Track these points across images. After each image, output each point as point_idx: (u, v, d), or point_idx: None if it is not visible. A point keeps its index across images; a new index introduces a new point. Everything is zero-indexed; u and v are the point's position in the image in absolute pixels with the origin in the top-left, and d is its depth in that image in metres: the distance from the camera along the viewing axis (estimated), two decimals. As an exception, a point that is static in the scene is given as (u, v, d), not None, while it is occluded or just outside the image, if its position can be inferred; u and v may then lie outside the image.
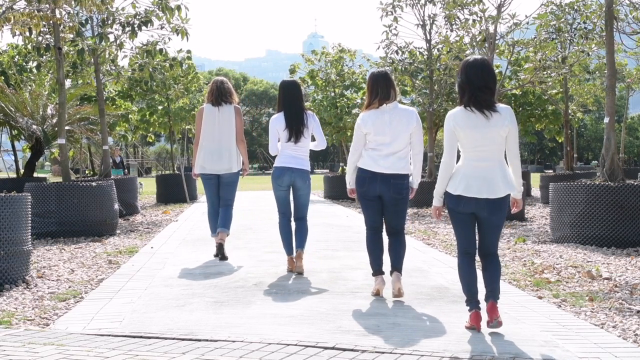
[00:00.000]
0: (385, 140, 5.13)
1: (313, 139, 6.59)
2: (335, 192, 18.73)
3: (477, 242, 4.39)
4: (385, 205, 5.23)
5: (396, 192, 5.15)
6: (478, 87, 4.18)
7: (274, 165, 6.55)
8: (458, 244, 4.43)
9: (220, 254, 7.20)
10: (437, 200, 4.43)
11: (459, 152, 4.32)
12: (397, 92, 5.28)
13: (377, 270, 5.30)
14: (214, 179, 7.28)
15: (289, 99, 6.32)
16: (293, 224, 6.51)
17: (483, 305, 4.28)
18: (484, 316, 4.27)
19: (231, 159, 7.17)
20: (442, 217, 4.49)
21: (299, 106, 6.30)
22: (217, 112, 7.21)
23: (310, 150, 6.51)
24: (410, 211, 14.30)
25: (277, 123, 6.31)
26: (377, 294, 5.28)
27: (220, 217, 7.24)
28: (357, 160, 5.29)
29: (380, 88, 5.15)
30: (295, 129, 6.25)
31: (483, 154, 4.20)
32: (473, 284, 4.30)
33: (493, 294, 4.26)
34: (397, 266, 5.21)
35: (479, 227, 4.35)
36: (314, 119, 6.39)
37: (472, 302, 4.27)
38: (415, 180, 5.28)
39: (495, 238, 4.34)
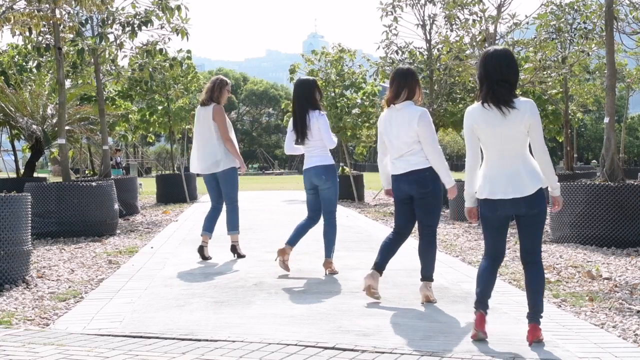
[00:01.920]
0: (392, 141, 5.13)
1: None
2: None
3: (505, 247, 4.19)
4: (415, 204, 5.13)
5: (417, 187, 5.04)
6: (496, 81, 3.94)
7: None
8: (484, 246, 4.25)
9: (235, 254, 7.41)
10: (468, 201, 4.21)
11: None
12: (416, 91, 5.11)
13: (374, 264, 5.21)
14: (208, 178, 7.38)
15: (295, 99, 6.35)
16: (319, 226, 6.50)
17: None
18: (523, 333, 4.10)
19: (213, 158, 7.20)
20: (475, 218, 4.21)
21: (303, 106, 6.26)
22: (201, 112, 7.33)
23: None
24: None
25: (290, 124, 6.44)
26: (364, 290, 5.13)
27: (227, 219, 7.39)
28: (382, 159, 5.33)
29: (393, 86, 5.13)
30: (300, 131, 6.27)
31: (504, 152, 3.99)
32: (487, 289, 4.11)
33: (534, 313, 3.97)
34: (424, 274, 5.15)
35: (517, 229, 4.15)
36: (319, 119, 6.25)
37: (480, 304, 4.07)
38: (445, 181, 5.07)
39: (532, 242, 4.05)
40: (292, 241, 6.38)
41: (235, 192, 7.40)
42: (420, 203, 5.10)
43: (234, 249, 7.41)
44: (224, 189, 7.32)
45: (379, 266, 5.18)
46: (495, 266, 4.18)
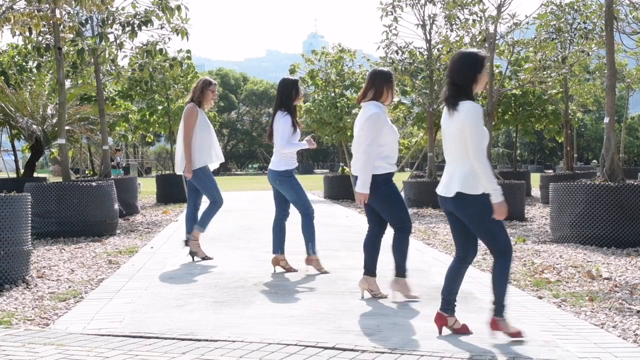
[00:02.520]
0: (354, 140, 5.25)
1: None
2: (335, 192, 18.72)
3: (469, 247, 4.24)
4: None
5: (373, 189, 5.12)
6: (447, 83, 4.18)
7: None
8: None
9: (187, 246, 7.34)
10: (495, 196, 4.06)
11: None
12: (384, 93, 5.13)
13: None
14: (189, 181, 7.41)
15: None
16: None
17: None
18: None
19: (179, 159, 7.22)
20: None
21: (275, 107, 6.37)
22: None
23: (305, 150, 6.54)
24: (410, 211, 14.29)
25: None
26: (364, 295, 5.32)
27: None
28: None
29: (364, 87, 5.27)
30: (269, 132, 6.40)
31: (448, 151, 4.16)
32: (450, 286, 4.22)
33: (494, 307, 4.09)
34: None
35: None
36: (278, 120, 6.25)
37: (442, 301, 4.24)
38: (359, 183, 5.08)
39: (482, 238, 4.12)
40: (276, 249, 6.47)
41: (210, 190, 7.24)
42: (376, 205, 5.19)
43: (186, 242, 7.31)
44: (200, 190, 7.33)
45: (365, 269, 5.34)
46: (456, 264, 4.26)
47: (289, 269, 6.45)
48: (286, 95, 6.30)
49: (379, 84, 5.15)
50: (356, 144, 5.15)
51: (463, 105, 4.03)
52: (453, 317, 4.22)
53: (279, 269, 6.53)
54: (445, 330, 4.21)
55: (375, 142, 5.01)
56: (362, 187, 5.04)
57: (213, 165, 7.44)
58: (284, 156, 6.32)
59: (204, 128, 7.19)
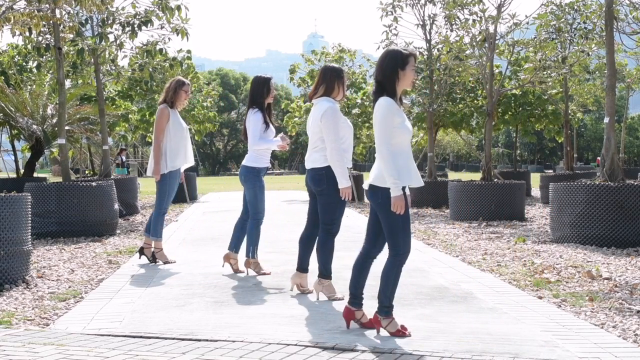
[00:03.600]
0: (309, 136, 5.31)
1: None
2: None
3: (374, 240, 4.34)
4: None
5: (313, 184, 5.19)
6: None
7: None
8: None
9: (144, 256, 7.21)
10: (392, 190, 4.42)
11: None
12: (334, 88, 5.16)
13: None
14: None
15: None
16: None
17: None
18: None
19: (150, 163, 7.20)
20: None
21: (248, 104, 6.37)
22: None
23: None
24: (410, 211, 14.28)
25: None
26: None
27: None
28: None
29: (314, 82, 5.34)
30: (243, 128, 6.43)
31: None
32: (354, 280, 4.34)
33: (378, 304, 4.22)
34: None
35: None
36: (250, 117, 6.24)
37: (349, 295, 4.37)
38: (338, 181, 5.06)
39: (384, 231, 4.20)
40: (234, 246, 6.50)
41: (160, 199, 7.20)
42: (318, 199, 5.23)
43: (141, 250, 7.21)
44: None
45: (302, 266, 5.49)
46: (359, 257, 4.36)
47: (237, 270, 6.46)
48: (258, 92, 6.29)
49: (329, 79, 5.18)
50: (315, 140, 5.18)
51: (376, 102, 4.16)
52: (360, 311, 4.32)
53: (227, 267, 6.56)
54: (353, 325, 4.34)
55: (337, 135, 5.05)
56: (346, 181, 5.07)
57: (182, 168, 7.35)
58: (256, 153, 6.29)
59: (177, 130, 7.04)
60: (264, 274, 6.33)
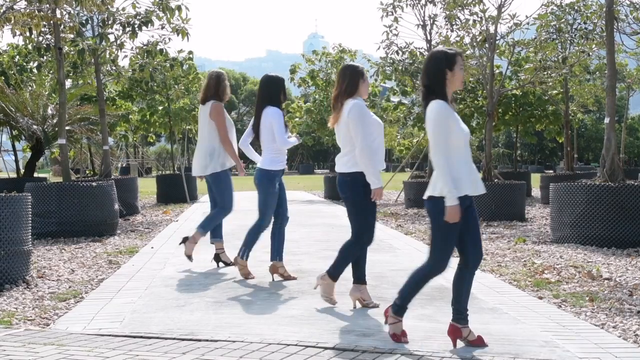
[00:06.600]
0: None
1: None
2: (336, 192, 18.55)
3: (460, 248, 4.09)
4: None
5: (339, 189, 4.99)
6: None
7: None
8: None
9: (217, 261, 6.98)
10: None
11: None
12: (357, 86, 4.90)
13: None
14: (207, 180, 6.97)
15: (258, 96, 6.23)
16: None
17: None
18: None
19: (205, 160, 6.82)
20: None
21: (260, 103, 6.12)
22: (201, 111, 6.93)
23: (294, 148, 6.36)
24: (410, 211, 14.30)
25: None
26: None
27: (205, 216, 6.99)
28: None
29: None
30: (255, 128, 6.17)
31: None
32: (457, 295, 4.06)
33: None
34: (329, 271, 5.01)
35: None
36: (273, 116, 6.00)
37: (453, 312, 4.07)
38: (369, 179, 4.79)
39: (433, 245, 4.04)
40: (278, 254, 6.14)
41: (225, 197, 6.82)
42: (345, 206, 5.04)
43: (217, 257, 6.95)
44: (215, 192, 6.91)
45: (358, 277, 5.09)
46: (461, 270, 4.08)
47: (288, 277, 6.14)
48: (276, 91, 6.10)
49: (351, 78, 4.91)
50: (345, 143, 4.90)
51: (429, 106, 3.94)
52: (467, 328, 3.99)
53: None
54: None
55: (365, 132, 4.78)
56: (378, 181, 4.80)
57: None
58: (272, 154, 6.06)
59: (230, 125, 6.93)
60: (251, 277, 6.17)
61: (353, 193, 4.87)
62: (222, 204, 6.82)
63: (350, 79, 4.89)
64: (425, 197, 3.98)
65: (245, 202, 12.83)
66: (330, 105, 5.06)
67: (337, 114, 4.92)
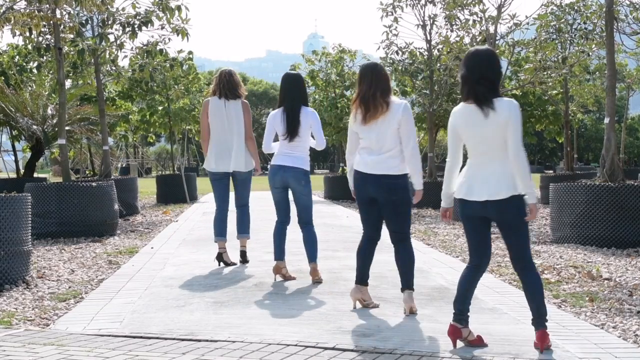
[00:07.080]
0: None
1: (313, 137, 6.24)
2: (336, 192, 18.71)
3: (489, 252, 4.08)
4: (382, 208, 4.79)
5: (386, 192, 4.70)
6: (476, 80, 3.86)
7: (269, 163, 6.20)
8: (468, 248, 4.15)
9: (243, 259, 6.99)
10: (444, 201, 4.15)
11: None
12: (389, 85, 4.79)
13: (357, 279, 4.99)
14: (225, 179, 6.90)
15: (288, 94, 5.96)
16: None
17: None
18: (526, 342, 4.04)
19: (242, 157, 6.77)
20: (449, 219, 4.19)
21: (297, 102, 5.92)
22: (223, 107, 6.71)
23: (311, 148, 6.23)
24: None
25: (273, 119, 6.01)
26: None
27: (238, 221, 6.95)
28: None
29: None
30: (291, 127, 5.89)
31: (483, 153, 3.90)
32: (463, 296, 4.00)
33: (538, 318, 3.86)
34: (405, 283, 4.79)
35: (500, 232, 4.06)
36: (313, 117, 5.96)
37: (454, 313, 3.99)
38: (417, 180, 4.72)
39: (517, 244, 3.93)
40: (280, 255, 6.10)
41: (248, 193, 7.04)
42: (390, 208, 4.81)
43: (244, 255, 7.00)
44: (241, 188, 6.93)
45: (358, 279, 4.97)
46: (477, 272, 4.04)
47: (288, 277, 6.12)
48: (306, 91, 6.09)
49: (385, 77, 4.79)
50: (390, 143, 4.68)
51: (504, 103, 3.84)
52: (467, 329, 3.98)
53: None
54: (459, 344, 3.99)
55: (415, 132, 4.71)
56: (422, 183, 4.74)
57: None
58: (307, 154, 6.05)
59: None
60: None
61: (407, 194, 4.74)
62: (245, 201, 7.03)
63: (387, 78, 4.79)
64: (500, 197, 3.86)
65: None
66: (356, 102, 4.78)
67: (377, 111, 4.68)
